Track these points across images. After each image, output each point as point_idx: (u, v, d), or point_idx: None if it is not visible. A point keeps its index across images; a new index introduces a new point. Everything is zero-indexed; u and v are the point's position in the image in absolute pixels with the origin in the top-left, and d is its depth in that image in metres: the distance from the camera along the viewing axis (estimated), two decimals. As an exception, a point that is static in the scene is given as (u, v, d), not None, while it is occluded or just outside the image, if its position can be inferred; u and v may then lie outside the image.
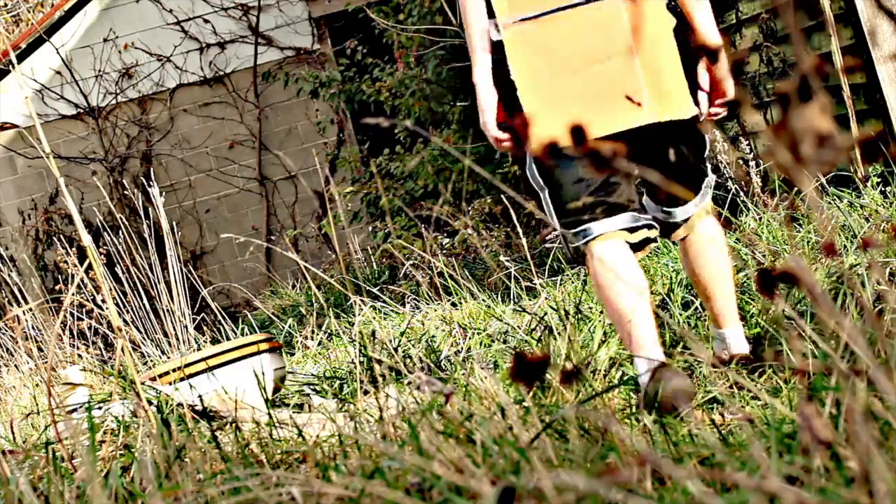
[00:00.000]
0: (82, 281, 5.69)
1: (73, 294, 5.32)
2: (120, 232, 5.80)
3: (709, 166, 3.02)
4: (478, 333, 3.98)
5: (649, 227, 2.91)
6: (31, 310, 5.82)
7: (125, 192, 9.37)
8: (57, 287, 6.70)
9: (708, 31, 2.85)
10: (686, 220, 3.03)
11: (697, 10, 2.86)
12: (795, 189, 4.54)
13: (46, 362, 4.50)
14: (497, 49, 2.89)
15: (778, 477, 1.46)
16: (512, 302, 4.45)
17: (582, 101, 2.80)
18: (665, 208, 3.02)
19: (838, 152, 0.97)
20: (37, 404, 4.07)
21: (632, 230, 2.88)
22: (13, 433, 3.18)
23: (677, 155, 2.91)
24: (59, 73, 9.61)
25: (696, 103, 2.87)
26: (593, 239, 2.85)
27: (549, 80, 2.82)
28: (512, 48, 2.85)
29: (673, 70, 2.85)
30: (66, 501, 2.12)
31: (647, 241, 2.93)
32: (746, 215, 4.51)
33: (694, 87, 2.87)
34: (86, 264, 3.82)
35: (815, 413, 1.17)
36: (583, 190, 2.83)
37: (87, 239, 2.32)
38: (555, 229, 2.99)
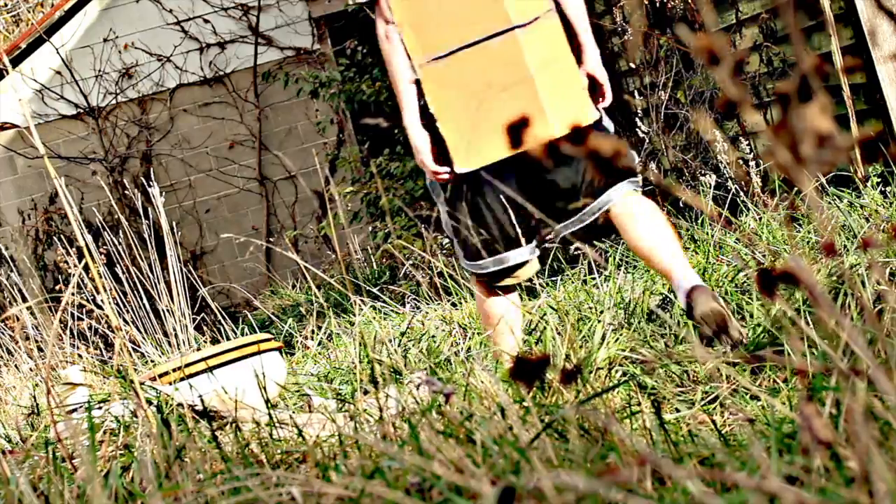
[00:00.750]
0: (82, 281, 5.69)
1: (71, 294, 5.32)
2: (120, 232, 5.80)
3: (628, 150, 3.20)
4: (478, 333, 3.98)
5: (534, 257, 3.42)
6: (30, 310, 5.82)
7: (125, 192, 9.37)
8: (57, 287, 6.70)
9: (587, 40, 3.36)
10: (622, 200, 3.34)
11: (580, 24, 3.34)
12: (795, 189, 4.54)
13: (46, 362, 4.50)
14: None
15: (778, 477, 1.46)
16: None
17: (493, 126, 3.13)
18: (603, 195, 3.34)
19: (838, 152, 0.97)
20: (37, 404, 4.07)
21: (521, 264, 3.35)
22: (19, 433, 3.18)
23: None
24: (59, 73, 9.61)
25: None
26: (494, 273, 3.36)
27: (463, 110, 3.19)
28: (427, 85, 3.22)
29: (572, 84, 3.25)
30: (66, 501, 2.12)
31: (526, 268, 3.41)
32: (746, 215, 4.52)
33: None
34: (83, 264, 3.82)
35: (815, 413, 1.17)
36: (491, 225, 3.27)
37: (86, 239, 2.32)
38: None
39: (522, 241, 3.35)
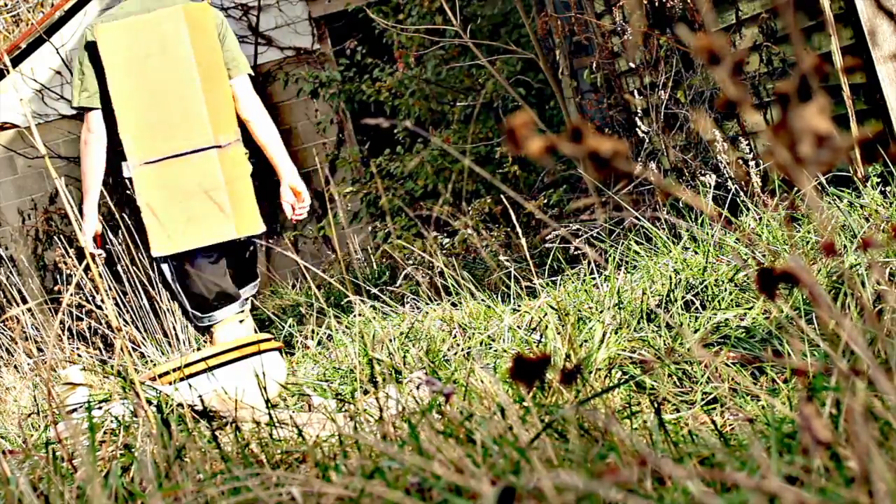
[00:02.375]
0: (81, 281, 5.69)
1: (71, 294, 5.33)
2: (120, 231, 5.80)
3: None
4: (478, 333, 3.98)
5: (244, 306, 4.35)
6: (30, 310, 5.82)
7: (125, 191, 9.36)
8: (56, 287, 6.69)
9: (281, 155, 4.26)
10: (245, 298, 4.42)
11: (272, 149, 4.23)
12: (795, 189, 4.54)
13: (46, 362, 4.50)
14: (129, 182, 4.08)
15: (778, 477, 1.46)
16: (512, 302, 4.45)
17: (190, 222, 3.99)
18: (239, 289, 4.32)
19: (835, 153, 0.97)
20: (37, 404, 4.07)
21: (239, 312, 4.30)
22: (22, 431, 3.18)
23: (250, 254, 4.32)
24: (59, 73, 9.61)
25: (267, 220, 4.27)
26: (218, 322, 4.25)
27: (166, 207, 3.98)
28: (139, 183, 4.01)
29: (250, 200, 4.15)
30: (66, 501, 2.12)
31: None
32: (746, 215, 4.51)
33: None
34: (83, 264, 3.82)
35: (814, 413, 1.17)
36: (209, 285, 4.09)
37: (84, 239, 2.32)
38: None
39: (233, 297, 4.29)
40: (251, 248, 4.31)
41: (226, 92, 4.06)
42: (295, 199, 4.25)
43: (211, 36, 4.03)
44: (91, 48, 3.99)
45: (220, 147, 4.00)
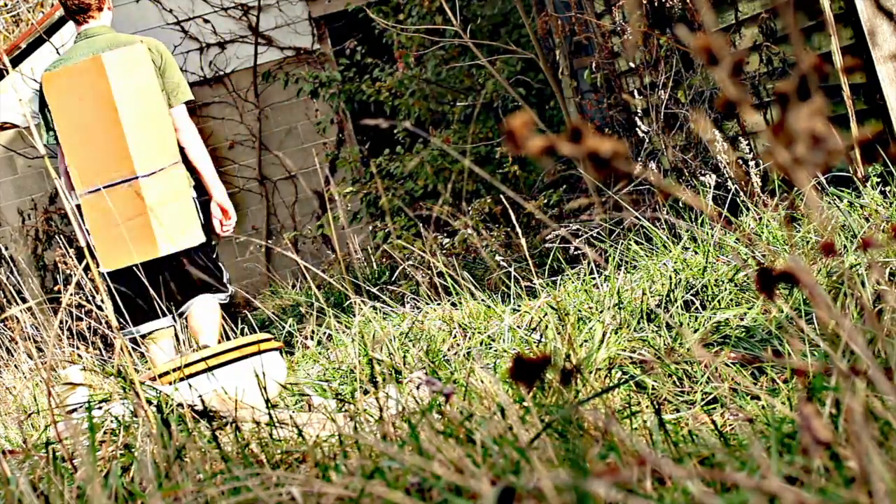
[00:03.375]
0: (81, 280, 5.69)
1: (71, 294, 5.32)
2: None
3: (223, 266, 4.85)
4: (478, 333, 3.98)
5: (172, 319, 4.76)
6: (30, 310, 5.82)
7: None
8: (56, 287, 6.69)
9: (208, 178, 4.75)
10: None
11: (202, 171, 4.73)
12: (795, 189, 4.54)
13: (46, 362, 4.50)
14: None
15: (778, 477, 1.46)
16: (512, 302, 4.45)
17: (129, 241, 4.51)
18: (185, 301, 4.74)
19: (831, 154, 0.97)
20: (37, 404, 4.07)
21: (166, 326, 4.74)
22: (22, 431, 3.18)
23: (197, 264, 4.72)
24: (58, 73, 9.61)
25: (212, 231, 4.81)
26: (146, 335, 4.76)
27: (105, 230, 4.54)
28: (85, 209, 4.57)
29: (187, 216, 4.64)
30: (66, 501, 2.12)
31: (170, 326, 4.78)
32: (746, 215, 4.51)
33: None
34: (83, 264, 3.82)
35: (814, 413, 1.17)
36: (132, 303, 4.59)
37: (87, 239, 2.32)
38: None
39: (160, 313, 4.67)
40: (198, 257, 4.75)
41: (162, 122, 4.60)
42: (222, 215, 4.83)
43: (144, 73, 4.55)
44: (41, 92, 4.64)
45: (147, 175, 4.58)
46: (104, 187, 4.52)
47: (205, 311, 4.75)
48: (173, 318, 4.76)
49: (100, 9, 4.72)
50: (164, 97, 4.58)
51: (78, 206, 4.59)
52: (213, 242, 4.91)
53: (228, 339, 5.53)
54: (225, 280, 4.86)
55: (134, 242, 4.54)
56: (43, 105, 4.61)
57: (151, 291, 4.42)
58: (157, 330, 4.77)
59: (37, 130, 4.16)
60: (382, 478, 1.79)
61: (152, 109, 4.57)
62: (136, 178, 4.56)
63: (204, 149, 4.77)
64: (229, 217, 4.83)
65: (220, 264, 4.89)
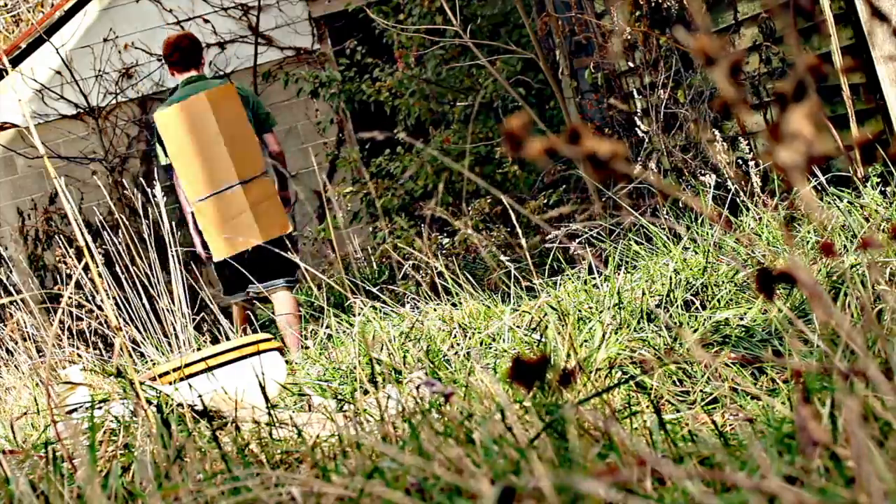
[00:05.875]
0: (80, 280, 5.69)
1: (69, 294, 5.31)
2: (120, 232, 5.80)
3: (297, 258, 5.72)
4: (478, 333, 3.98)
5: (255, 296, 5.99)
6: (29, 310, 5.82)
7: (125, 191, 9.36)
8: (57, 287, 6.69)
9: (289, 183, 6.17)
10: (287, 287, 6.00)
11: (285, 175, 6.13)
12: (795, 189, 4.54)
13: (46, 362, 4.50)
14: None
15: (778, 477, 1.46)
16: (512, 302, 4.44)
17: (237, 233, 5.70)
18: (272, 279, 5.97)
19: (829, 155, 0.97)
20: (37, 404, 4.07)
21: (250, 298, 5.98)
22: (13, 432, 3.18)
23: (276, 253, 5.84)
24: (59, 73, 9.62)
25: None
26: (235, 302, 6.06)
27: (217, 226, 5.73)
28: (198, 214, 5.77)
29: (275, 212, 5.84)
30: (65, 502, 2.13)
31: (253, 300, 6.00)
32: (746, 215, 4.51)
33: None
34: (82, 264, 3.82)
35: (812, 414, 1.17)
36: (228, 277, 5.93)
37: (86, 238, 2.32)
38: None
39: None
40: (284, 243, 5.88)
41: (251, 143, 5.87)
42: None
43: (236, 107, 5.83)
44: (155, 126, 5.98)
45: (245, 182, 5.78)
46: (213, 194, 5.72)
47: (286, 301, 5.93)
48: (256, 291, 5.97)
49: (202, 63, 6.08)
50: (251, 124, 5.88)
51: (192, 213, 5.82)
52: (296, 234, 6.29)
53: (228, 339, 5.53)
54: (298, 269, 6.00)
55: (240, 234, 5.72)
56: (158, 136, 5.90)
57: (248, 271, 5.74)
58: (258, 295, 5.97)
59: (156, 156, 5.95)
60: (382, 478, 1.79)
61: (248, 133, 5.86)
62: (236, 185, 5.77)
63: (285, 157, 6.23)
64: (291, 201, 6.35)
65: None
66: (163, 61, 9.68)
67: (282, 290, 5.92)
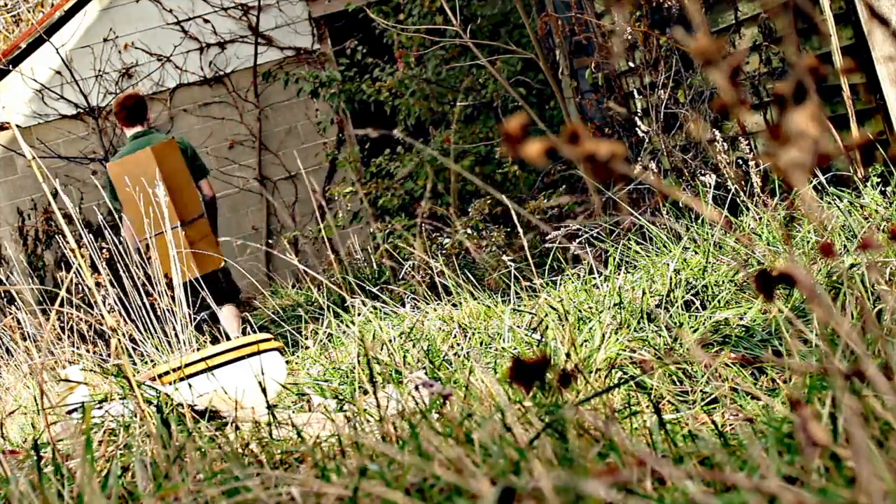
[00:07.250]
0: (80, 280, 5.69)
1: (64, 294, 5.31)
2: (120, 231, 5.80)
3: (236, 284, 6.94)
4: (478, 333, 3.98)
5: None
6: (30, 309, 5.82)
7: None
8: (60, 276, 6.70)
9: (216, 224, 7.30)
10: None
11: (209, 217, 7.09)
12: (796, 189, 4.54)
13: (42, 363, 4.50)
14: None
15: (777, 477, 1.46)
16: (512, 302, 4.44)
17: (177, 268, 5.87)
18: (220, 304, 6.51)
19: (828, 155, 0.97)
20: (36, 404, 4.07)
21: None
22: (2, 431, 3.18)
23: (221, 281, 6.80)
24: (59, 73, 9.61)
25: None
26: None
27: (164, 260, 5.86)
28: (153, 247, 6.01)
29: (213, 249, 6.67)
30: (65, 501, 2.13)
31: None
32: (746, 215, 4.51)
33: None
34: (76, 264, 3.81)
35: (810, 415, 1.17)
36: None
37: (85, 238, 2.32)
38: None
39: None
40: (220, 275, 6.85)
41: (190, 189, 6.77)
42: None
43: (177, 159, 6.74)
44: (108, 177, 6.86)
45: (186, 223, 6.67)
46: (156, 234, 6.19)
47: (230, 314, 6.81)
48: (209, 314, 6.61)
49: (147, 119, 7.00)
50: (190, 174, 6.76)
51: (146, 245, 6.40)
52: (227, 269, 7.13)
53: (229, 339, 5.53)
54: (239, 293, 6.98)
55: (180, 268, 6.30)
56: (109, 183, 6.72)
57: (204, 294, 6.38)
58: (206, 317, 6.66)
59: (108, 201, 6.77)
60: (382, 478, 1.79)
61: (187, 180, 6.77)
62: (177, 226, 6.48)
63: (215, 202, 7.14)
64: (220, 253, 7.20)
65: (234, 281, 7.03)
66: (162, 63, 9.72)
67: (228, 305, 7.01)
